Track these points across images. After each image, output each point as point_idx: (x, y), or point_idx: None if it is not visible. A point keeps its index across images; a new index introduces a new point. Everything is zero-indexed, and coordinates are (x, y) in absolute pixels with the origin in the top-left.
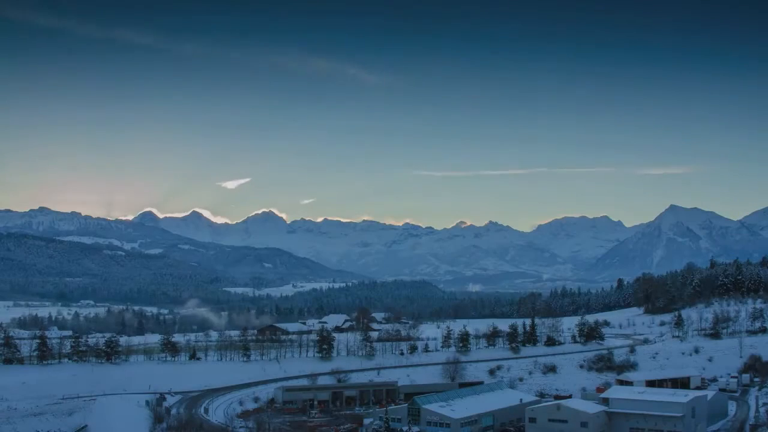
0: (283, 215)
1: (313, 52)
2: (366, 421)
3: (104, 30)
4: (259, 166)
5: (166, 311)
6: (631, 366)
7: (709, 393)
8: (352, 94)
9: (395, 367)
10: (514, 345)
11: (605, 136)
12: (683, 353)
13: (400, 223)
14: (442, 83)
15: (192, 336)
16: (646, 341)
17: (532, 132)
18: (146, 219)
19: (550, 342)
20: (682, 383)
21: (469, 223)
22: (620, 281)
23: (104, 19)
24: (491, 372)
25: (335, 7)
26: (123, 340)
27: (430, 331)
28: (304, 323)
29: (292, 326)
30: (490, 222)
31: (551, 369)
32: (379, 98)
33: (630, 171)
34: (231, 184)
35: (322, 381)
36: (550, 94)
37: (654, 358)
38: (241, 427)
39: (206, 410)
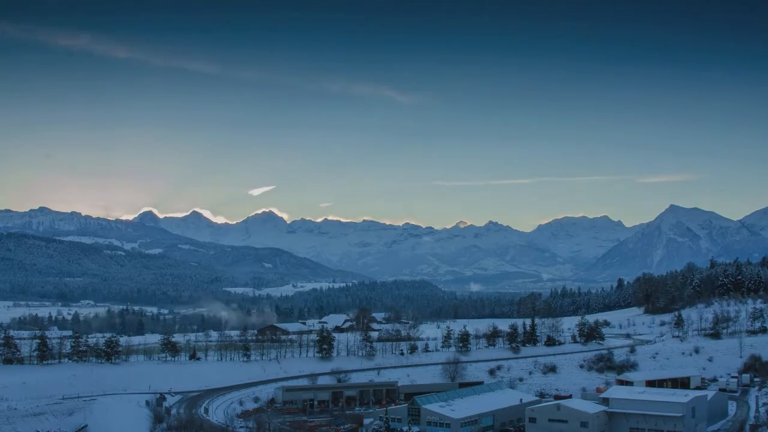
0: (284, 215)
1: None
2: (366, 421)
3: (108, 45)
4: (263, 168)
5: (166, 311)
6: (631, 366)
7: (709, 393)
8: (362, 106)
9: (395, 367)
10: (514, 345)
11: (605, 142)
12: (683, 353)
13: (400, 223)
14: (446, 93)
15: (192, 336)
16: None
17: (535, 142)
18: (146, 219)
19: (550, 342)
20: (682, 383)
21: (469, 223)
22: (620, 281)
23: (106, 31)
24: (491, 372)
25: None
26: (123, 340)
27: (430, 331)
28: (304, 323)
29: (292, 326)
30: (490, 222)
31: (551, 369)
32: (391, 110)
33: (631, 179)
34: (256, 191)
35: (322, 381)
36: (552, 104)
37: (654, 358)
38: (241, 427)
39: (206, 410)
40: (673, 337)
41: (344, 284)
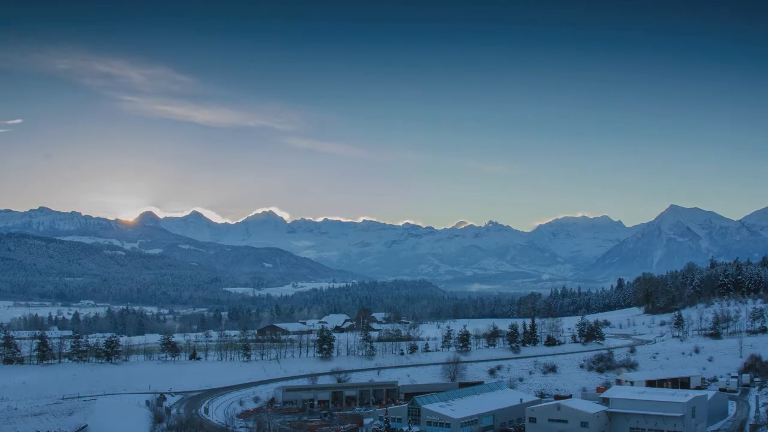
0: (284, 215)
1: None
2: (366, 421)
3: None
4: (265, 167)
5: (166, 311)
6: (631, 366)
7: (709, 393)
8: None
9: (395, 367)
10: (514, 345)
11: (605, 142)
12: (683, 353)
13: (400, 223)
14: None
15: (192, 336)
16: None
17: (536, 141)
18: (146, 219)
19: (550, 342)
20: (682, 383)
21: (469, 223)
22: (620, 281)
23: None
24: (491, 372)
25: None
26: (123, 340)
27: (430, 331)
28: (304, 323)
29: (292, 326)
30: (490, 222)
31: (551, 369)
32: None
33: (631, 178)
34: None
35: (322, 381)
36: (551, 103)
37: (654, 358)
38: (241, 427)
39: (206, 410)
40: (673, 337)
41: (344, 284)
